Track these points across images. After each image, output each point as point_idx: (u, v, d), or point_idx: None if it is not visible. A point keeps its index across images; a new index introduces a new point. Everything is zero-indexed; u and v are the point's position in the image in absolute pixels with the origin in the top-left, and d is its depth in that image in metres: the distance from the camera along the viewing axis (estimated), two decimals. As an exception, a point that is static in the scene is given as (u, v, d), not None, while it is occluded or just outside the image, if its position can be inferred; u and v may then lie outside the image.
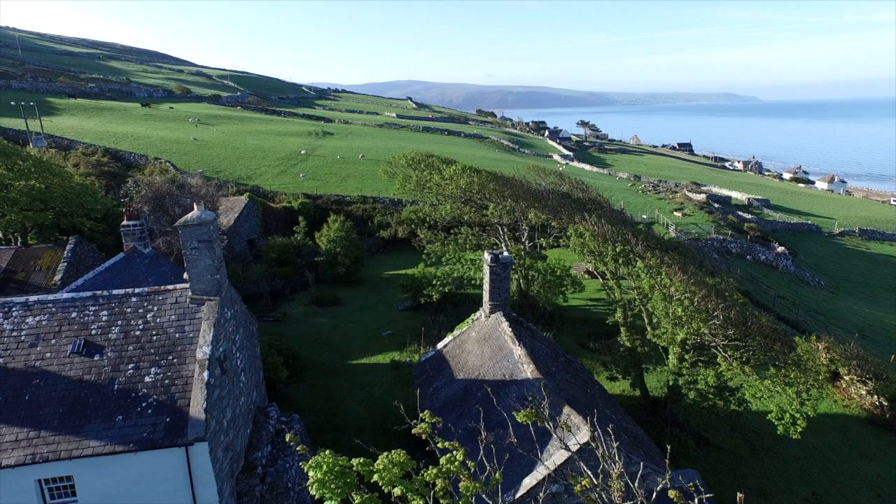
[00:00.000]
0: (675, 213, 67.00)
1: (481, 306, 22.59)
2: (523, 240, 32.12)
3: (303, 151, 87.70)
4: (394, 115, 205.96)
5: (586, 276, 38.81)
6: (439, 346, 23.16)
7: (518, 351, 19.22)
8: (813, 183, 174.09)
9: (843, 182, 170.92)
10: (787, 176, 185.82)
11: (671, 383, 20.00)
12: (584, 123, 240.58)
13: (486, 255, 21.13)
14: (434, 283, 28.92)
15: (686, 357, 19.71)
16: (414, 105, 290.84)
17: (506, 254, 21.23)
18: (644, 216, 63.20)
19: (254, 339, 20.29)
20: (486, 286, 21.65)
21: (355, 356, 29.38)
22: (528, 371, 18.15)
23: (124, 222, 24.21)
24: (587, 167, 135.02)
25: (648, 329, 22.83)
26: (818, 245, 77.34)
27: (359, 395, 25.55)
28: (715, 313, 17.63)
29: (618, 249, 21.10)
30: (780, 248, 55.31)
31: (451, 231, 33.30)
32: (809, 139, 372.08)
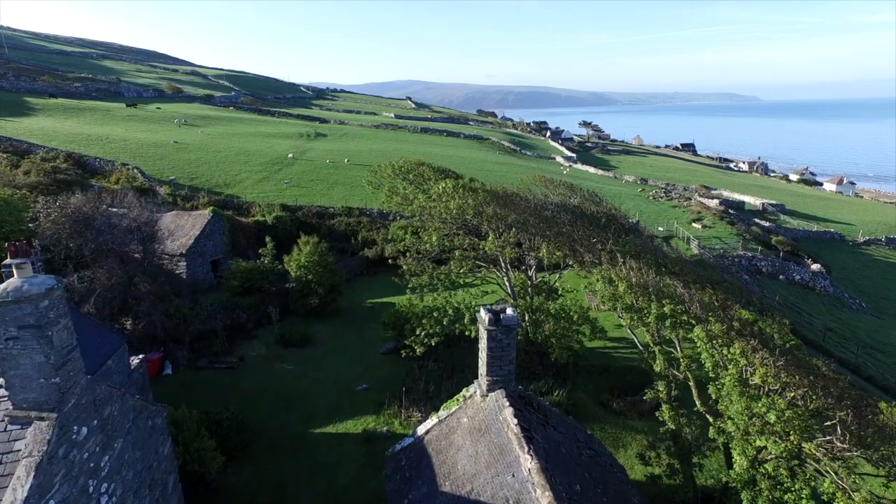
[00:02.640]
0: (693, 224, 61.00)
1: (476, 379, 16.70)
2: (531, 273, 26.23)
3: (290, 155, 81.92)
4: (392, 115, 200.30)
5: (602, 308, 32.79)
6: (420, 430, 17.25)
7: (527, 462, 13.38)
8: (821, 185, 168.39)
9: (853, 184, 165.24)
10: (793, 177, 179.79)
11: (743, 503, 14.08)
12: (586, 124, 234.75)
13: (483, 314, 15.30)
14: (417, 331, 23.07)
15: (766, 464, 13.81)
16: (413, 105, 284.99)
17: (510, 312, 15.39)
18: (661, 228, 57.26)
19: (156, 438, 14.40)
20: (483, 355, 15.81)
21: (320, 421, 23.46)
22: (542, 501, 12.34)
23: (6, 261, 18.27)
24: (591, 170, 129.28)
25: (698, 405, 17.01)
26: (845, 257, 71.41)
27: (319, 484, 19.65)
28: (828, 423, 11.75)
29: (666, 310, 15.25)
30: (816, 266, 49.37)
31: (442, 257, 27.46)
32: (810, 139, 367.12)
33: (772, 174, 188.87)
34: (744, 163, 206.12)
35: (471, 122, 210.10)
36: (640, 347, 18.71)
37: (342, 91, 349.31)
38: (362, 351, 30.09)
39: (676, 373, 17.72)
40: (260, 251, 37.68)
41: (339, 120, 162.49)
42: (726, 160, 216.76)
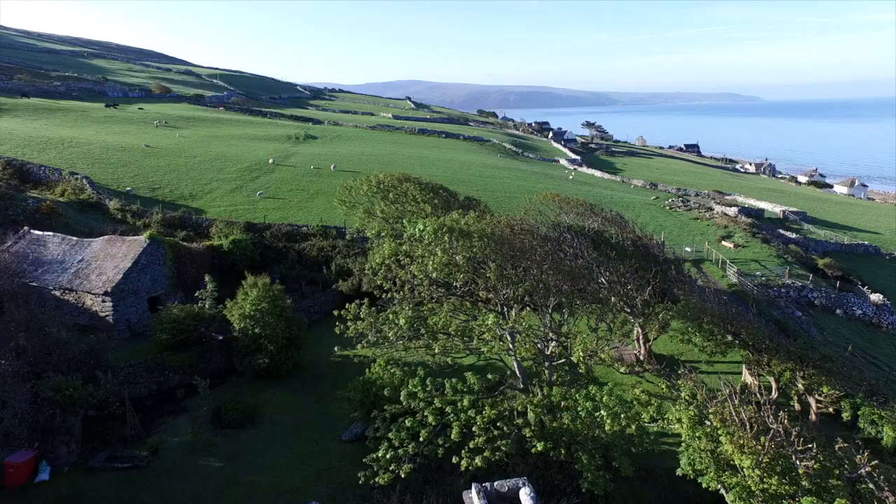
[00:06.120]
0: (723, 242, 53.41)
1: None
2: (548, 349, 18.53)
3: (270, 160, 74.37)
4: (390, 115, 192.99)
5: (638, 368, 25.26)
6: None
7: None
8: (831, 187, 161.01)
9: (864, 186, 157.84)
10: (802, 179, 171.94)
11: None
12: (589, 124, 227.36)
13: (474, 497, 8.06)
14: (380, 450, 15.43)
15: None
16: (412, 105, 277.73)
17: (526, 500, 8.08)
18: (688, 249, 49.73)
19: None
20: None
21: (242, 572, 16.06)
22: None
23: None
24: (598, 173, 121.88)
25: None
26: (886, 274, 63.67)
27: None
28: None
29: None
30: (877, 297, 41.84)
31: (426, 305, 20.10)
32: (811, 139, 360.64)
33: (779, 175, 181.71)
34: (750, 164, 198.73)
35: (471, 123, 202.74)
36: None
37: (341, 91, 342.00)
38: (320, 436, 22.57)
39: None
40: (197, 294, 30.09)
41: (334, 121, 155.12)
42: (732, 161, 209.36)
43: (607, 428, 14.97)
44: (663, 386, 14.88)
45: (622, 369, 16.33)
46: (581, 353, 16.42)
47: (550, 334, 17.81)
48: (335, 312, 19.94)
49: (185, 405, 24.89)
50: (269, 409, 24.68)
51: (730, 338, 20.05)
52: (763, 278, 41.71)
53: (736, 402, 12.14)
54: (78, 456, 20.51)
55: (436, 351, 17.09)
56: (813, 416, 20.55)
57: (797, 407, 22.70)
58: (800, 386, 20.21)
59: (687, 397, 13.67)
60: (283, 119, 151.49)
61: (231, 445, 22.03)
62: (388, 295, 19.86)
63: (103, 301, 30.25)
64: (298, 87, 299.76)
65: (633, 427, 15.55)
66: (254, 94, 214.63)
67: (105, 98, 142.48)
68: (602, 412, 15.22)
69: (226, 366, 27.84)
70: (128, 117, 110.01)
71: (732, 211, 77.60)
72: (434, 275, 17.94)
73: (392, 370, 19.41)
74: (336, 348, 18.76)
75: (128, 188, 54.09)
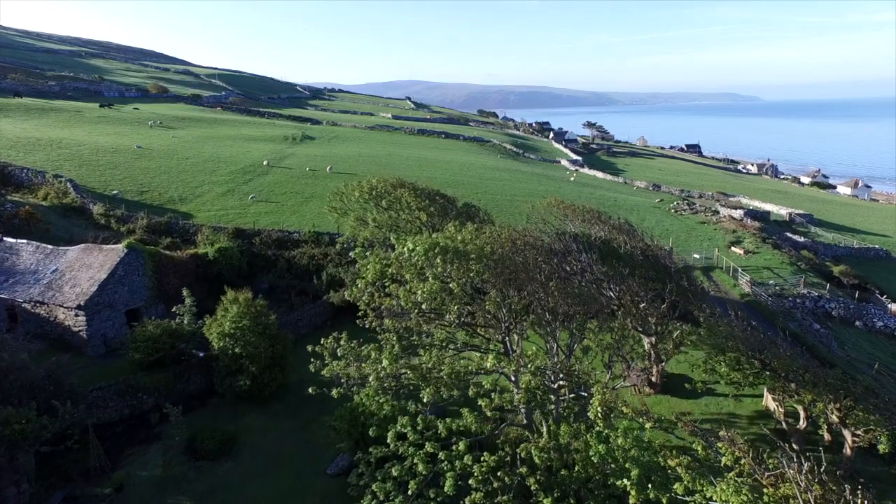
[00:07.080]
0: (733, 248, 51.35)
1: None
2: (555, 383, 16.40)
3: (265, 162, 72.37)
4: (389, 115, 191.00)
5: (649, 391, 23.21)
6: None
7: None
8: (834, 188, 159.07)
9: (868, 187, 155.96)
10: (805, 180, 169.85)
11: None
12: (590, 124, 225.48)
13: None
14: (363, 502, 13.45)
15: None
16: (412, 105, 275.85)
17: None
18: (696, 256, 47.63)
19: None
20: None
21: None
22: None
23: None
24: (599, 174, 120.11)
25: None
26: (898, 280, 61.83)
27: None
28: None
29: None
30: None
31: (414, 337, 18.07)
32: (811, 140, 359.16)
33: (781, 176, 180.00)
34: (752, 164, 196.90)
35: (471, 123, 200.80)
36: None
37: (340, 91, 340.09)
38: (303, 470, 20.59)
39: None
40: (174, 309, 28.09)
41: (332, 121, 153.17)
42: (734, 162, 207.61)
43: (632, 501, 12.92)
44: (699, 448, 12.90)
45: (647, 425, 14.33)
46: (599, 409, 14.28)
47: (560, 375, 15.70)
48: (309, 348, 17.89)
49: (159, 431, 22.90)
50: (249, 436, 22.68)
51: (759, 367, 18.09)
52: (777, 287, 39.67)
53: (802, 483, 10.09)
54: (31, 496, 18.50)
55: (425, 400, 15.09)
56: (848, 451, 18.65)
57: (827, 437, 20.79)
58: (833, 417, 18.30)
59: (728, 462, 11.70)
60: (281, 119, 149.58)
61: (205, 480, 20.04)
62: (371, 325, 17.90)
63: (76, 315, 28.25)
64: (298, 87, 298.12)
65: (664, 500, 13.31)
66: (253, 94, 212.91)
67: (101, 98, 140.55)
68: (625, 482, 13.01)
69: (206, 386, 25.84)
70: (122, 117, 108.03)
71: (738, 213, 75.66)
72: (424, 305, 15.87)
73: (380, 400, 17.47)
74: (311, 389, 16.65)
75: (114, 191, 52.07)
